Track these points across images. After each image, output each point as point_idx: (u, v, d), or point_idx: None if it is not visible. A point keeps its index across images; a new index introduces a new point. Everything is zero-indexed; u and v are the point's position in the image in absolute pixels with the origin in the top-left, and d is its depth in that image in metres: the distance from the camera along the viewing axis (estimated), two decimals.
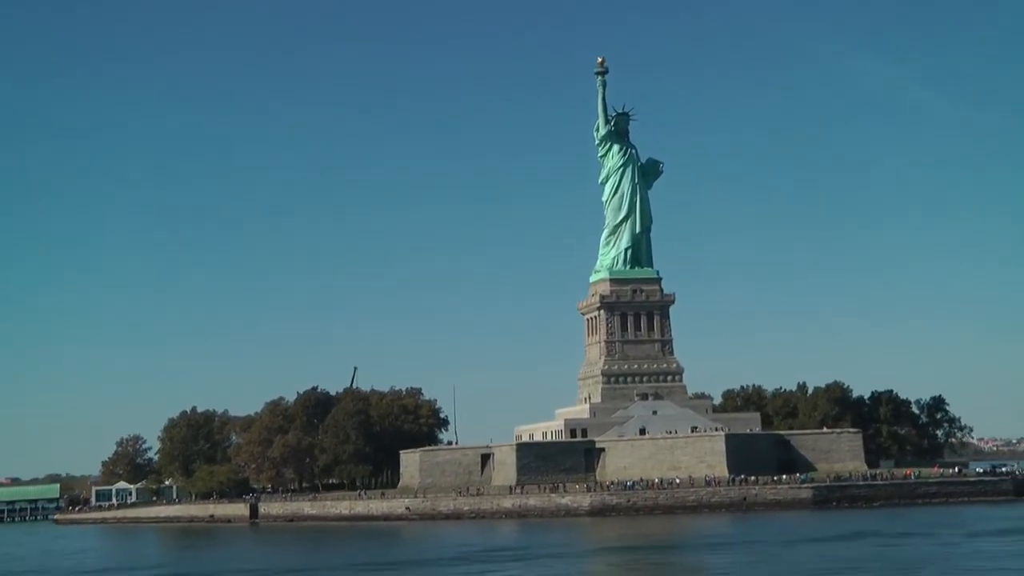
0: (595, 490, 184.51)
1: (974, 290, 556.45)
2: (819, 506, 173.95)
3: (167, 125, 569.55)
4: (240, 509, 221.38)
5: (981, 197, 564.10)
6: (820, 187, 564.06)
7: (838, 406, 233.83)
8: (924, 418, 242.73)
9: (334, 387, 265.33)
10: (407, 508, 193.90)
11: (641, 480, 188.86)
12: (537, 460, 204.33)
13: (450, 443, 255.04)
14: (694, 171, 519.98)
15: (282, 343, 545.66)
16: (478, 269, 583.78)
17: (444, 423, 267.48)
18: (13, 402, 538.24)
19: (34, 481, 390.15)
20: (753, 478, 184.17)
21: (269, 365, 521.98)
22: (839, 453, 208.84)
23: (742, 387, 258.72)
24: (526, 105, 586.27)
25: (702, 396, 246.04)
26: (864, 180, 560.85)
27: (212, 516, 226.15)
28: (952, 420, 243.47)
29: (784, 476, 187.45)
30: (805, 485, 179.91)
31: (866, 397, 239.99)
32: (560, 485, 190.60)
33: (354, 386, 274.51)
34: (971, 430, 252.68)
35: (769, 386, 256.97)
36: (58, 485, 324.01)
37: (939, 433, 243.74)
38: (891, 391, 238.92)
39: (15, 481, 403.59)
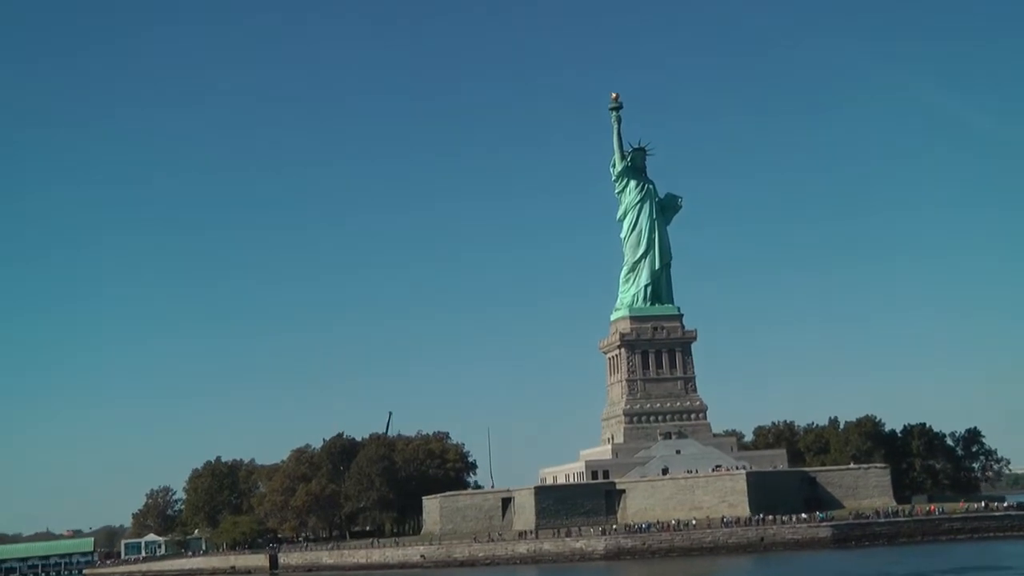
0: (610, 533, 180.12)
1: (1009, 319, 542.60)
2: (839, 545, 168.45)
3: (191, 161, 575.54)
4: (260, 560, 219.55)
5: (1013, 226, 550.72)
6: (844, 221, 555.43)
7: (870, 440, 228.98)
8: (960, 451, 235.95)
9: (364, 434, 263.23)
10: (422, 556, 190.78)
11: (658, 523, 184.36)
12: (556, 503, 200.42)
13: (479, 487, 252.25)
14: (715, 205, 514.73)
15: (312, 391, 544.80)
16: (506, 311, 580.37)
17: (472, 467, 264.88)
18: (68, 455, 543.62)
19: (95, 533, 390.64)
20: (771, 517, 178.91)
21: (300, 413, 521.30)
22: (867, 489, 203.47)
23: (773, 423, 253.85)
24: (543, 142, 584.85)
25: (730, 434, 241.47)
26: (892, 214, 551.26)
27: (233, 568, 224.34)
28: (989, 452, 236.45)
29: (804, 515, 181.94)
30: (824, 524, 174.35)
31: (898, 431, 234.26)
32: (576, 529, 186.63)
33: (389, 432, 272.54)
34: (1008, 462, 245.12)
35: (802, 422, 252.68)
36: (92, 539, 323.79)
37: (975, 466, 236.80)
38: (924, 424, 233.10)
39: (77, 533, 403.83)
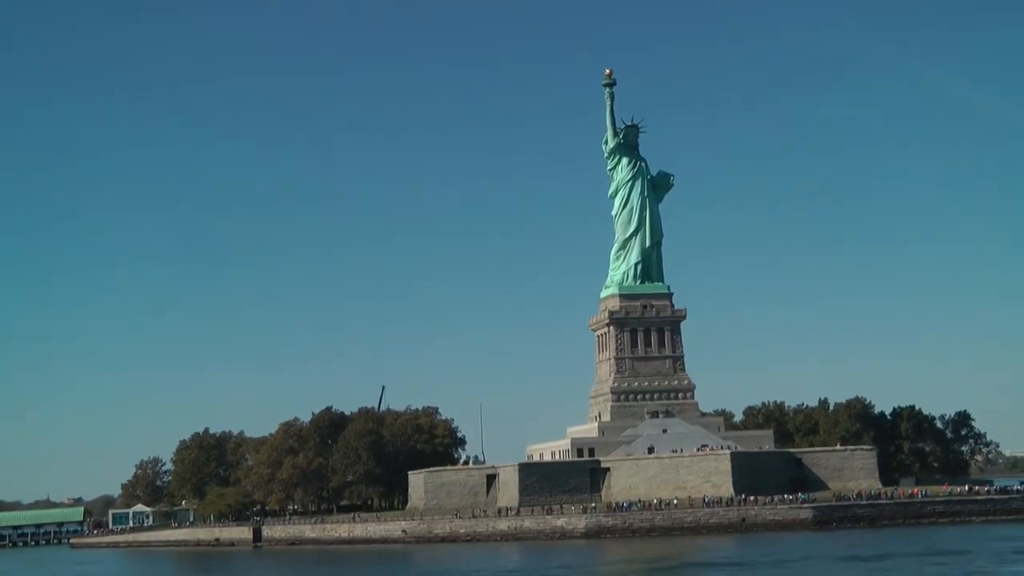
0: (591, 512, 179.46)
1: (1000, 303, 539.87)
2: (820, 527, 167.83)
3: (185, 139, 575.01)
4: (244, 532, 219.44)
5: (1004, 213, 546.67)
6: (837, 203, 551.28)
7: (859, 422, 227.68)
8: (949, 434, 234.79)
9: (353, 408, 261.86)
10: (403, 531, 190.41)
11: (640, 501, 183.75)
12: (540, 480, 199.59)
13: (466, 462, 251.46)
14: (707, 184, 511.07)
15: (305, 365, 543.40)
16: (498, 288, 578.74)
17: (461, 442, 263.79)
18: (70, 424, 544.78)
19: (93, 503, 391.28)
20: (753, 498, 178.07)
21: (290, 386, 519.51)
22: (852, 471, 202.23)
23: (763, 404, 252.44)
24: (535, 119, 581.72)
25: (718, 413, 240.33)
26: (884, 197, 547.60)
27: (217, 540, 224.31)
28: (978, 436, 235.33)
29: (787, 496, 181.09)
30: (806, 505, 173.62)
31: (888, 413, 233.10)
32: (558, 507, 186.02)
33: (382, 406, 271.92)
34: (997, 445, 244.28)
35: (792, 402, 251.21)
36: (83, 508, 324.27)
37: (964, 450, 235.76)
38: (913, 406, 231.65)
39: (77, 502, 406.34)
